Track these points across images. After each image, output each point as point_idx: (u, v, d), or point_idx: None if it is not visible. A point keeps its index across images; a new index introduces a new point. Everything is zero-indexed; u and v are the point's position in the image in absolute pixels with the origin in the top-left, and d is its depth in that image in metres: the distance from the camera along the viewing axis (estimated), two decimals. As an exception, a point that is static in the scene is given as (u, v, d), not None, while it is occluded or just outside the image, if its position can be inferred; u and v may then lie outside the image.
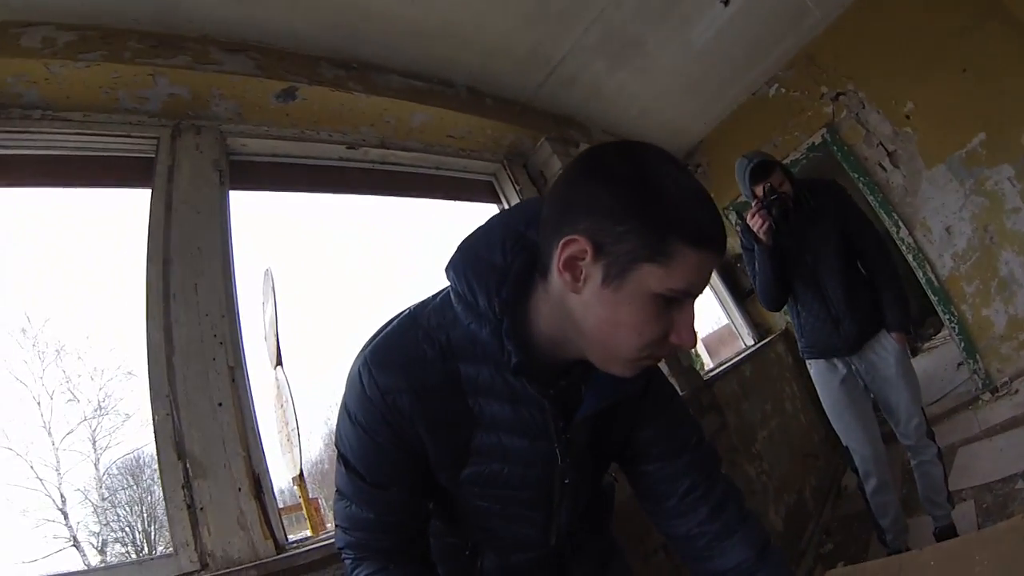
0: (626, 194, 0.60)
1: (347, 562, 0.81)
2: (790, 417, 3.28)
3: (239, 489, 1.37)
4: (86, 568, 1.23)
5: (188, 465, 1.34)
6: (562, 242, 0.62)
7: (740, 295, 3.97)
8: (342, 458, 0.77)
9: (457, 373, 0.71)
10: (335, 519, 0.82)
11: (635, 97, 3.10)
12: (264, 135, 1.99)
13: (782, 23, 3.13)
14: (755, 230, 2.05)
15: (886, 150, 3.28)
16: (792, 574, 0.86)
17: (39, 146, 1.56)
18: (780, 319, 3.85)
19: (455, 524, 0.90)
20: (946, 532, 2.07)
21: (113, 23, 1.59)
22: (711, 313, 4.11)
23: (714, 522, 0.84)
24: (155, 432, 1.37)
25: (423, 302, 0.78)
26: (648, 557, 1.88)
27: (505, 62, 2.52)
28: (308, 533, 1.85)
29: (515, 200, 2.71)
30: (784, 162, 2.23)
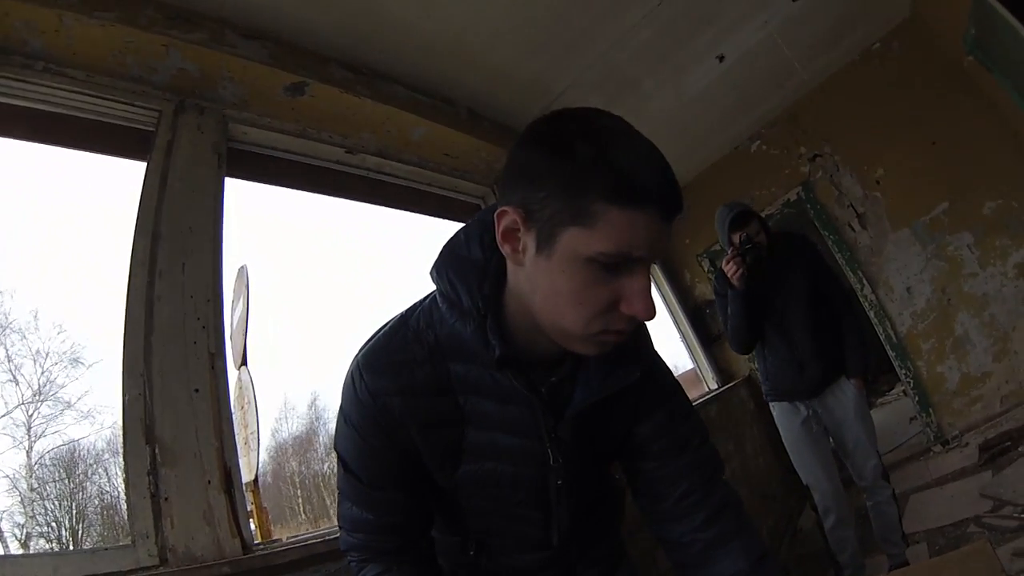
0: (546, 156, 0.58)
1: (352, 564, 0.80)
2: (750, 458, 3.29)
3: (208, 482, 1.26)
4: (37, 552, 1.09)
5: (156, 451, 1.23)
6: (496, 214, 0.61)
7: (707, 340, 4.02)
8: (341, 461, 0.76)
9: (447, 372, 0.70)
10: (338, 521, 0.81)
11: (627, 136, 3.17)
12: (266, 126, 1.94)
13: (770, 83, 3.28)
14: (729, 275, 2.10)
15: (856, 211, 3.42)
16: None
17: (35, 99, 1.47)
18: (744, 365, 3.91)
19: (458, 523, 0.85)
20: None
21: (131, -14, 1.53)
22: (676, 357, 4.15)
23: (709, 529, 0.79)
24: (123, 412, 1.26)
25: (414, 305, 0.76)
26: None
27: (507, 88, 2.54)
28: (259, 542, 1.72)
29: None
30: (760, 215, 2.32)
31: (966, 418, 3.19)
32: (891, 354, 3.42)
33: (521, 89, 2.58)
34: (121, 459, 1.33)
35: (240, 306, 3.02)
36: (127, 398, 1.27)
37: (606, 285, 0.58)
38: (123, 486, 1.30)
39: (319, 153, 2.15)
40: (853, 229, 3.44)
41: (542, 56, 2.44)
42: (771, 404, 2.31)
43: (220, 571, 1.04)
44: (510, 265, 0.65)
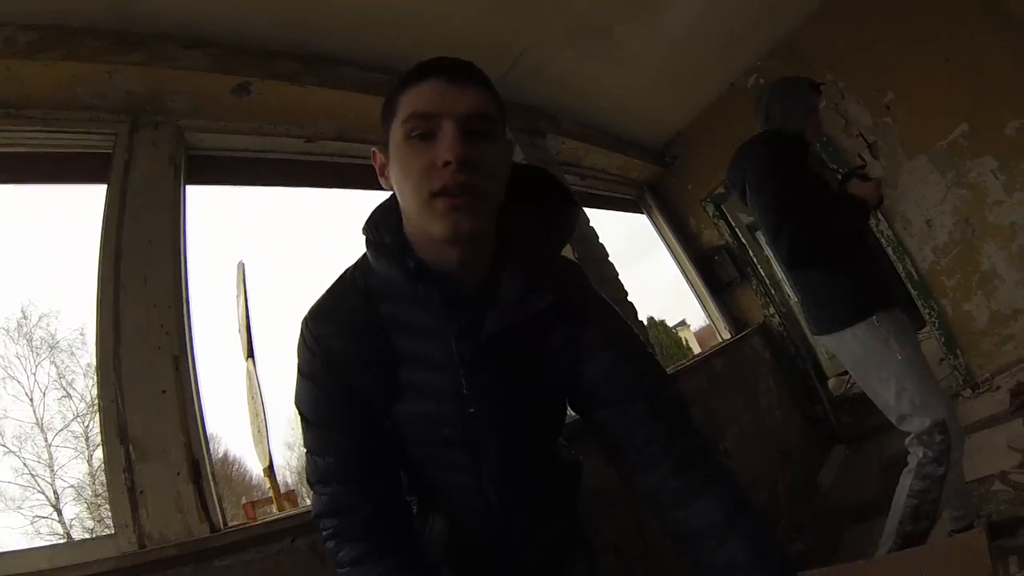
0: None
1: (326, 536, 0.84)
2: (764, 413, 3.32)
3: (177, 474, 1.46)
4: (36, 546, 1.34)
5: (131, 449, 1.44)
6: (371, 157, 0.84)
7: (717, 288, 4.04)
8: (301, 415, 0.87)
9: (378, 313, 0.82)
10: (308, 480, 0.88)
11: (606, 88, 3.17)
12: (222, 130, 2.08)
13: (760, 12, 3.17)
14: (874, 193, 1.88)
15: (866, 141, 3.31)
16: (771, 536, 0.77)
17: (1, 143, 1.66)
18: (758, 313, 3.91)
19: (409, 480, 0.95)
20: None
21: (72, 22, 1.67)
22: (692, 312, 4.19)
23: (678, 478, 0.79)
24: (100, 418, 1.48)
25: (350, 264, 0.89)
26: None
27: (467, 54, 2.55)
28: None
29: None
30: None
31: (996, 360, 3.13)
32: (913, 293, 3.35)
33: (482, 53, 2.54)
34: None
35: (241, 301, 3.27)
36: (102, 404, 1.48)
37: (421, 152, 0.73)
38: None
39: (279, 147, 2.28)
40: (864, 160, 3.34)
41: (500, 15, 2.47)
42: (879, 315, 1.79)
43: (167, 552, 1.25)
44: (397, 196, 0.81)
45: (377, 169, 0.83)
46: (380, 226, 0.83)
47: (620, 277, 2.95)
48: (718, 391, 3.01)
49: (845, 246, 1.84)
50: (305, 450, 0.87)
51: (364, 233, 0.85)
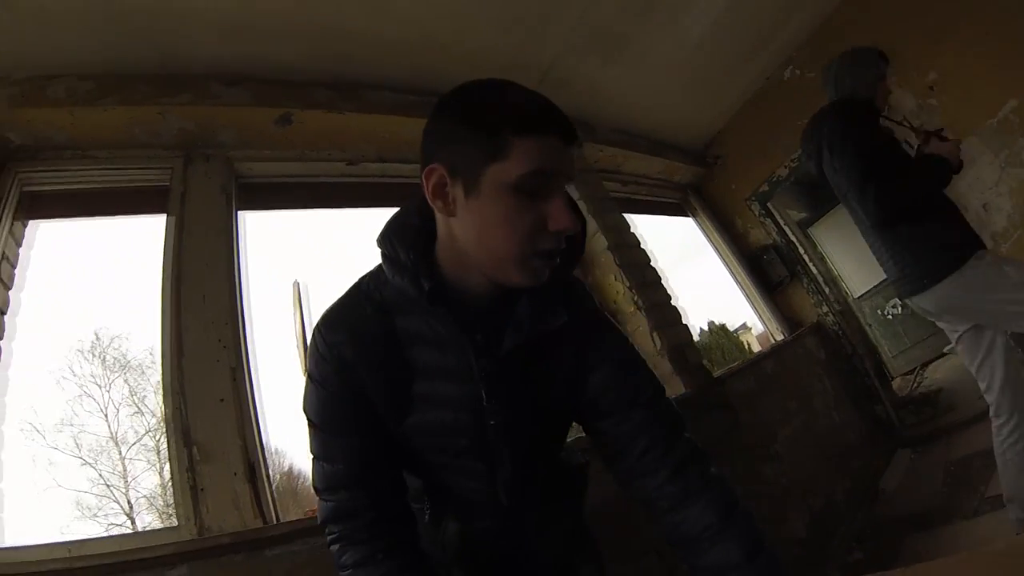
0: (456, 116, 0.74)
1: (330, 540, 0.87)
2: (820, 415, 3.21)
3: (235, 474, 1.62)
4: (100, 537, 1.51)
5: (193, 451, 1.61)
6: (423, 174, 0.76)
7: (768, 288, 3.97)
8: (308, 421, 0.89)
9: (393, 325, 0.84)
10: (314, 488, 0.90)
11: (636, 93, 3.21)
12: (268, 158, 2.27)
13: (786, 3, 3.15)
14: (954, 152, 1.90)
15: (911, 126, 3.20)
16: (761, 536, 0.83)
17: (71, 181, 1.90)
18: (811, 312, 3.82)
19: (416, 486, 0.99)
20: None
21: (125, 70, 1.91)
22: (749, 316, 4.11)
23: (675, 483, 0.86)
24: (166, 424, 1.66)
25: (365, 273, 0.91)
26: (638, 559, 1.89)
27: (490, 70, 2.67)
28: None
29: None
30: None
31: (1064, 351, 2.92)
32: (975, 283, 3.19)
33: (505, 69, 2.70)
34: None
35: (297, 318, 3.48)
36: (168, 412, 1.66)
37: (531, 210, 0.72)
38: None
39: (322, 171, 2.46)
40: (911, 146, 3.21)
41: (518, 30, 2.55)
42: (980, 251, 1.83)
43: (222, 540, 1.39)
44: (441, 220, 0.79)
45: (431, 188, 0.75)
46: (395, 241, 0.82)
47: (665, 282, 2.96)
48: (767, 393, 2.93)
49: (932, 200, 1.85)
50: (312, 456, 0.89)
51: (379, 247, 0.85)
